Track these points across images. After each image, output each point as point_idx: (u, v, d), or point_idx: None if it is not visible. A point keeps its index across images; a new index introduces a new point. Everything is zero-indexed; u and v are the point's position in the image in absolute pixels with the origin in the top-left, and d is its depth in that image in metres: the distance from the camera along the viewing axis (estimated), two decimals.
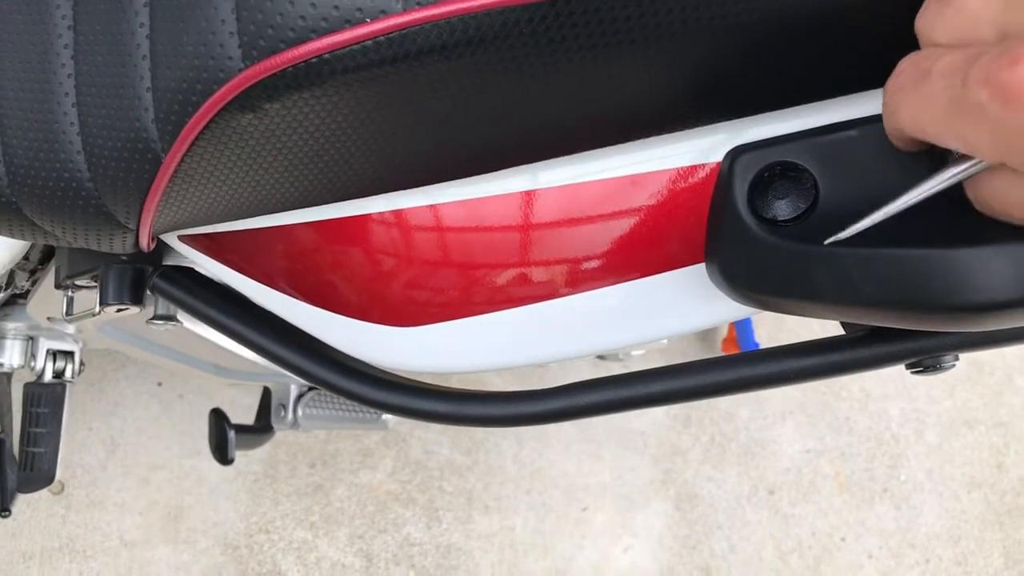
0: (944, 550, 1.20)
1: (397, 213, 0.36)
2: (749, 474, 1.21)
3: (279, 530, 1.12)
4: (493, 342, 0.37)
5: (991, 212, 0.24)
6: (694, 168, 0.33)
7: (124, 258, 0.47)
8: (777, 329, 1.25)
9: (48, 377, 0.82)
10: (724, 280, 0.31)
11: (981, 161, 0.23)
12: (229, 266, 0.41)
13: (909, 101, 0.23)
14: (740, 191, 0.31)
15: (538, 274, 0.36)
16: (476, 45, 0.26)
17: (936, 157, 0.27)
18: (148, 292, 0.47)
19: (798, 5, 0.26)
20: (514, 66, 0.27)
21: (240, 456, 1.10)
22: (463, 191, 0.35)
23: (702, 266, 0.34)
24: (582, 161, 0.34)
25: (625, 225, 0.34)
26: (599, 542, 1.16)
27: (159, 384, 1.17)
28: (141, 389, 1.16)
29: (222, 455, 0.78)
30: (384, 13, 0.25)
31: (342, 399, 0.85)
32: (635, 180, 0.34)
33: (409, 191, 0.35)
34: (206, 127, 0.29)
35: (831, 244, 0.27)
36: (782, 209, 0.30)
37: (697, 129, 0.33)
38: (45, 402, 0.82)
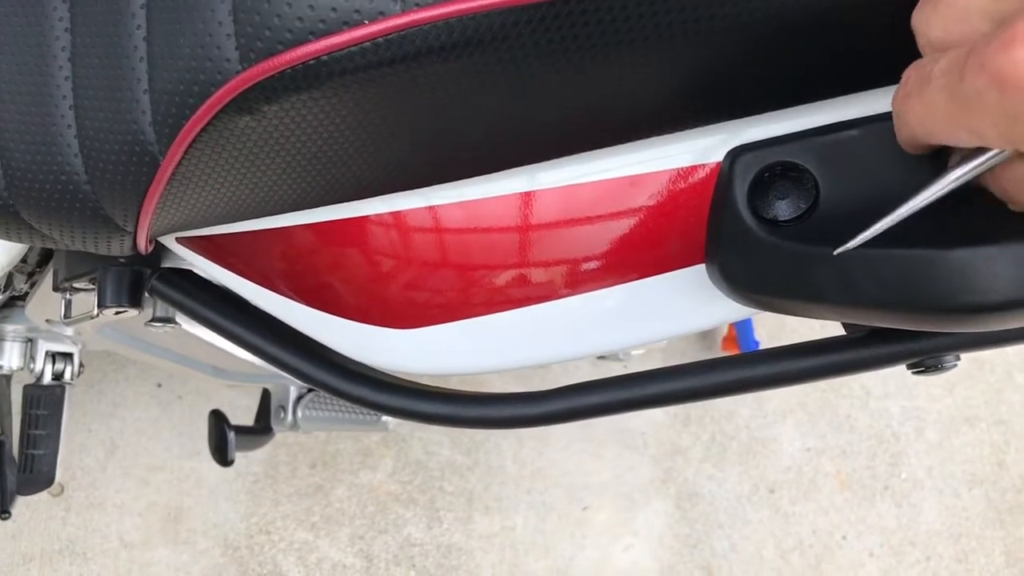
0: (945, 548, 1.20)
1: (396, 215, 0.35)
2: (750, 473, 1.21)
3: (279, 531, 1.12)
4: (492, 343, 0.37)
5: (1014, 203, 0.24)
6: (694, 168, 0.33)
7: (122, 260, 0.46)
8: (777, 329, 1.25)
9: (47, 379, 0.81)
10: (724, 281, 0.31)
11: (997, 154, 0.23)
12: (227, 268, 0.41)
13: (916, 106, 0.23)
14: (740, 191, 0.31)
15: (537, 275, 0.36)
16: (474, 46, 0.26)
17: (939, 156, 0.27)
18: (146, 294, 0.47)
19: (797, 5, 0.26)
20: (512, 67, 0.27)
21: (240, 457, 1.10)
22: (462, 192, 0.35)
23: (702, 267, 0.34)
24: (581, 162, 0.34)
25: (625, 226, 0.34)
26: (600, 541, 1.16)
27: (158, 385, 1.16)
28: (140, 390, 1.16)
29: (222, 456, 0.78)
30: (382, 14, 0.25)
31: (342, 401, 0.84)
32: (634, 181, 0.34)
33: (408, 192, 0.35)
34: (204, 129, 0.29)
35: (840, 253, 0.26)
36: (783, 209, 0.30)
37: (697, 129, 0.32)
38: (44, 404, 0.82)
